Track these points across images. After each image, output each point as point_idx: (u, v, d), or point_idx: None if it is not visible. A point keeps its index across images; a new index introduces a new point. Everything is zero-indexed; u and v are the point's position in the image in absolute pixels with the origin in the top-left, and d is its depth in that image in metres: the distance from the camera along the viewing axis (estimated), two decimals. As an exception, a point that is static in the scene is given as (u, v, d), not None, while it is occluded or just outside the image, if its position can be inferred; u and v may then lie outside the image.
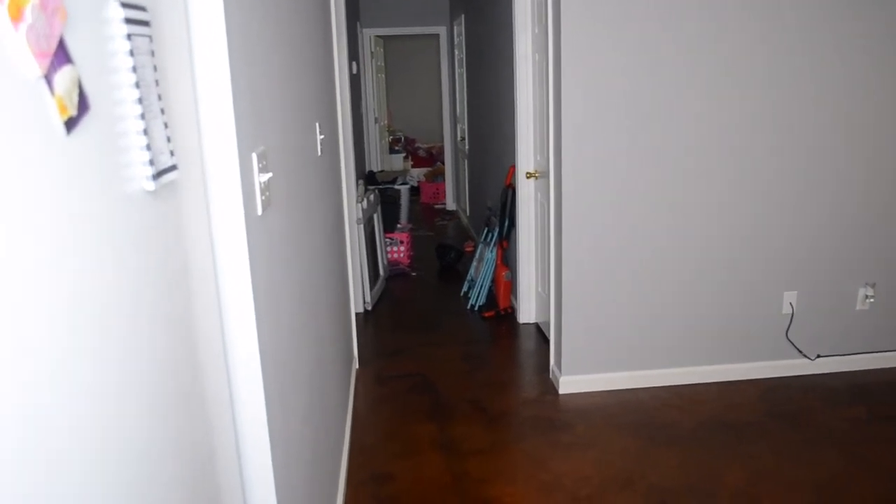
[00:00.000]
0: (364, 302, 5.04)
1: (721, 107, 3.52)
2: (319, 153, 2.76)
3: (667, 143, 3.52)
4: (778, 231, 3.71)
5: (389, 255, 6.13)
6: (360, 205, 4.92)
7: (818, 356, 3.90)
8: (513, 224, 4.80)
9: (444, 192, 9.41)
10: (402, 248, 6.21)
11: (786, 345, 3.86)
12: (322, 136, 2.85)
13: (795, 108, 3.57)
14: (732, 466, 3.00)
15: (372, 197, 5.57)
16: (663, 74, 3.45)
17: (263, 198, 1.45)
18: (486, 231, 5.26)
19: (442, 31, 8.71)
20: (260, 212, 1.42)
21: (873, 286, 3.85)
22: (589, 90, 3.41)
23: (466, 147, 7.61)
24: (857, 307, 3.88)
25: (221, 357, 1.30)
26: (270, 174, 1.54)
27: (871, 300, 3.87)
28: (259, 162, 1.43)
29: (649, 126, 3.49)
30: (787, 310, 3.81)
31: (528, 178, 4.46)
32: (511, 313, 4.93)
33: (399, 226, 6.62)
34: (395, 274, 6.04)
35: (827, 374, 3.90)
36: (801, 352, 3.88)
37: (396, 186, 7.26)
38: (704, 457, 3.07)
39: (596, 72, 3.39)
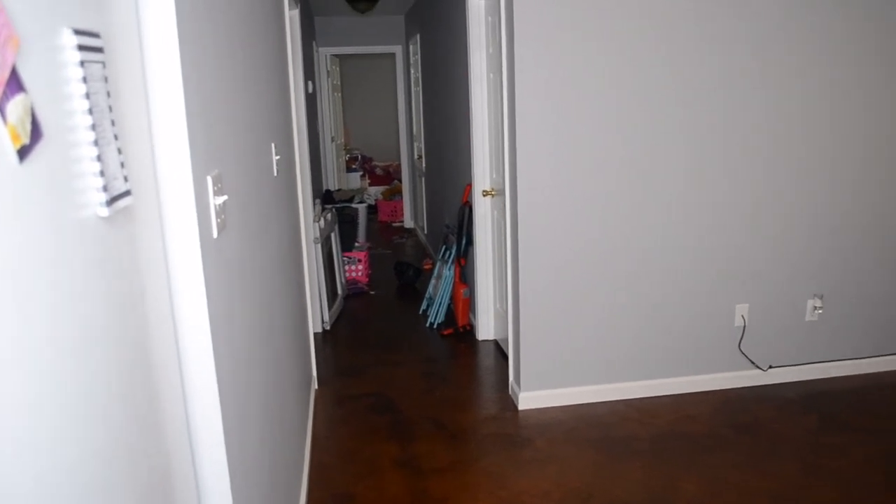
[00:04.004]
0: (322, 321, 5.01)
1: (672, 122, 3.61)
2: (275, 173, 2.75)
3: (619, 158, 3.59)
4: (729, 245, 3.80)
5: (347, 274, 6.12)
6: (317, 224, 4.90)
7: (770, 367, 4.00)
8: (470, 242, 4.83)
9: (402, 210, 9.43)
10: (360, 267, 6.20)
11: (739, 356, 3.94)
12: (278, 157, 2.85)
13: (747, 122, 3.67)
14: (690, 477, 3.05)
15: (329, 216, 5.55)
16: (615, 90, 3.52)
17: (219, 220, 1.45)
18: (444, 249, 5.29)
19: (398, 49, 8.76)
20: (216, 234, 1.42)
21: (822, 297, 3.96)
22: (542, 108, 3.46)
23: (424, 165, 7.65)
24: (807, 318, 3.99)
25: (178, 381, 1.29)
26: (226, 196, 1.54)
27: (820, 311, 3.98)
28: (214, 185, 1.43)
29: (602, 142, 3.56)
30: (739, 322, 3.90)
31: (484, 195, 4.50)
32: (470, 330, 4.95)
33: (357, 244, 6.61)
34: (354, 293, 6.02)
35: (780, 384, 3.99)
36: (753, 363, 3.97)
37: (354, 205, 7.25)
38: (663, 469, 3.12)
39: (549, 90, 3.45)
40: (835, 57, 3.70)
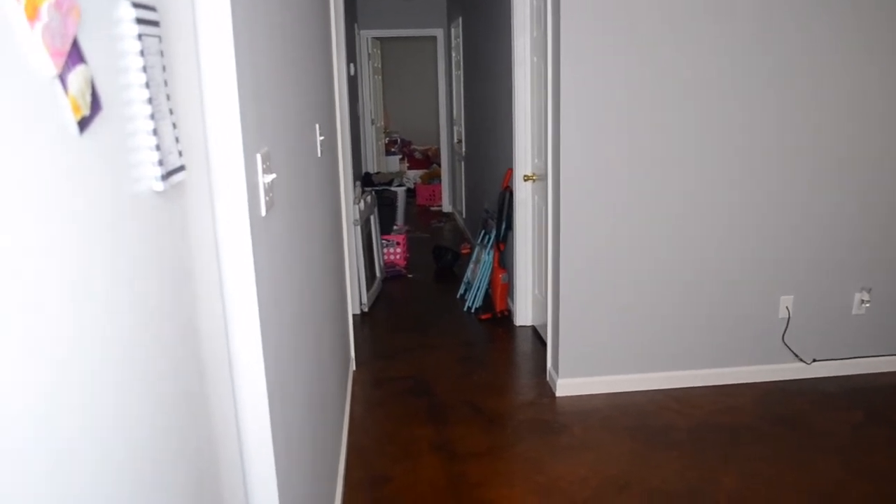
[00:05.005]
0: (361, 303, 5.03)
1: (723, 110, 3.53)
2: (319, 154, 2.75)
3: (666, 147, 3.53)
4: (775, 236, 3.72)
5: (386, 257, 6.13)
6: (357, 206, 4.91)
7: (814, 360, 3.92)
8: (510, 227, 4.80)
9: (441, 194, 9.42)
10: (398, 250, 6.21)
11: (782, 349, 3.87)
12: (322, 138, 2.85)
13: (798, 112, 3.58)
14: (729, 469, 3.00)
15: (369, 198, 5.57)
16: (664, 78, 3.45)
17: (267, 199, 1.45)
18: (482, 233, 5.27)
19: (439, 33, 8.72)
20: (264, 213, 1.42)
21: (869, 291, 3.87)
22: (588, 94, 3.41)
23: (463, 149, 7.62)
24: (854, 312, 3.90)
25: (225, 358, 1.30)
26: (274, 175, 1.54)
27: (867, 305, 3.88)
28: (263, 163, 1.43)
29: (649, 130, 3.50)
30: (783, 314, 3.82)
31: (525, 181, 4.46)
32: (508, 316, 4.93)
33: (395, 227, 6.62)
34: (392, 276, 6.03)
35: (823, 378, 3.91)
36: (797, 356, 3.89)
37: (393, 188, 7.26)
38: (701, 460, 3.08)
39: (596, 75, 3.40)
40: (868, 52, 3.58)
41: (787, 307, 3.81)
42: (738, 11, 3.43)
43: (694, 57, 3.45)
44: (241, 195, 1.27)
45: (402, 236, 6.32)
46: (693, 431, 3.32)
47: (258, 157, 1.40)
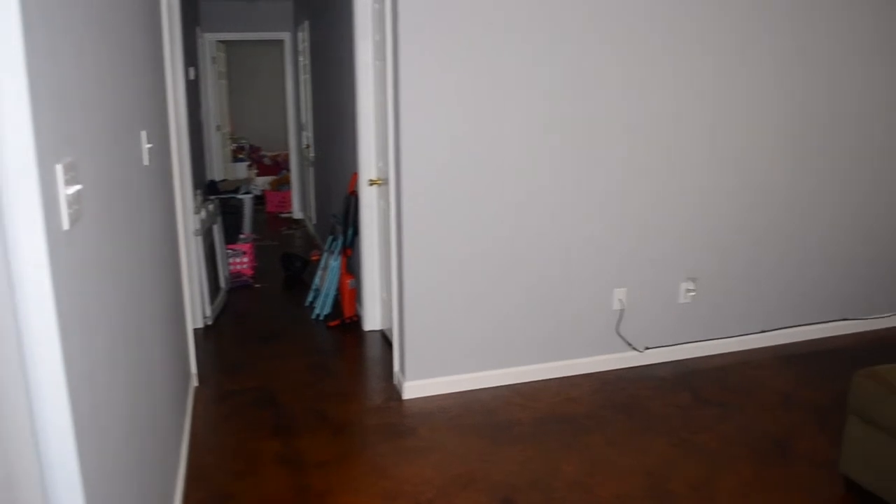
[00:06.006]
0: (204, 316, 4.86)
1: (557, 106, 3.68)
2: (147, 163, 2.64)
3: (504, 145, 3.64)
4: (607, 230, 3.93)
5: (232, 267, 5.95)
6: (197, 216, 4.74)
7: (647, 348, 4.17)
8: (357, 232, 4.79)
9: (291, 200, 9.26)
10: (245, 260, 6.05)
11: (617, 339, 4.10)
12: (150, 146, 2.73)
13: (628, 112, 3.80)
14: (570, 458, 3.14)
15: (211, 207, 5.39)
16: (501, 78, 3.56)
17: (71, 211, 1.37)
18: (331, 239, 5.23)
19: (286, 36, 8.57)
20: (67, 226, 1.34)
21: (694, 281, 4.17)
22: (427, 97, 3.47)
23: (312, 155, 7.53)
24: (681, 301, 4.18)
25: (21, 381, 1.22)
26: (80, 186, 1.46)
27: (693, 294, 4.18)
28: (66, 173, 1.35)
29: (486, 130, 3.60)
30: (617, 306, 4.05)
31: (370, 185, 4.47)
32: (357, 321, 4.92)
33: (242, 236, 6.43)
34: (238, 286, 5.87)
35: (655, 364, 4.18)
36: (630, 345, 4.13)
37: (239, 196, 7.05)
38: (544, 451, 3.20)
39: (435, 78, 3.46)
40: (700, 44, 3.88)
41: (620, 299, 4.04)
42: (570, 14, 3.60)
43: (531, 59, 3.59)
44: (36, 207, 1.19)
45: (248, 245, 6.15)
46: (536, 424, 3.45)
47: (58, 167, 1.32)
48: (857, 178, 4.43)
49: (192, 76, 6.42)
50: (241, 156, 11.14)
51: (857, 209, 4.49)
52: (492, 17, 3.48)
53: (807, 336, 4.55)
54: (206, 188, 7.15)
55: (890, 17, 4.24)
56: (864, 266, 4.60)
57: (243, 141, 11.55)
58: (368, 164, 4.50)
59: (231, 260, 5.97)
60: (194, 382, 3.92)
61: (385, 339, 4.60)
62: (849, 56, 4.21)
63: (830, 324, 4.60)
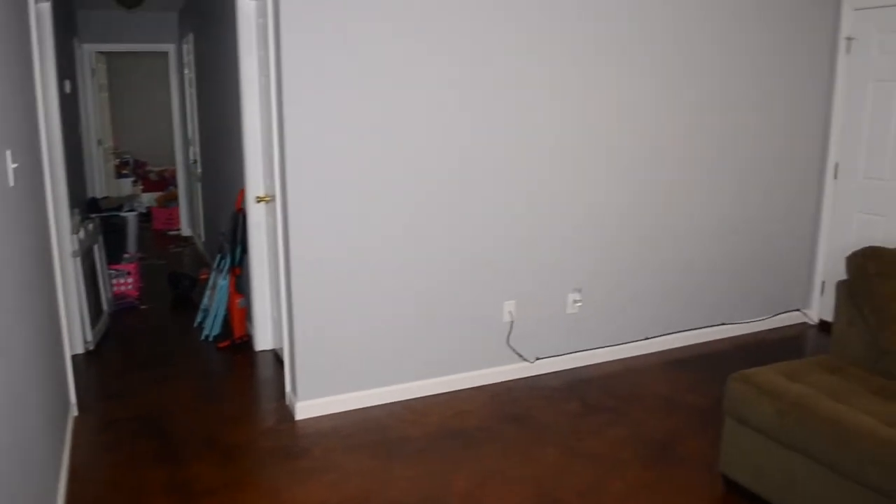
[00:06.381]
0: (85, 341, 4.63)
1: (442, 120, 3.72)
2: (11, 184, 2.50)
3: (389, 160, 3.65)
4: (495, 243, 4.00)
5: (115, 289, 5.70)
6: (75, 236, 4.52)
7: (537, 359, 4.26)
8: (245, 249, 4.69)
9: (179, 217, 8.97)
10: (129, 280, 5.81)
11: (508, 351, 4.17)
12: (15, 165, 2.59)
13: (511, 117, 3.88)
14: (462, 471, 3.17)
15: (91, 226, 5.15)
16: (386, 91, 3.57)
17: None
18: (219, 258, 5.09)
19: (171, 48, 8.32)
20: None
21: (580, 291, 4.29)
22: (313, 112, 3.44)
23: (199, 170, 7.32)
24: (568, 311, 4.30)
25: None
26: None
27: (579, 304, 4.31)
28: None
29: (371, 145, 3.60)
30: (507, 318, 4.12)
31: (258, 201, 4.39)
32: (248, 341, 4.81)
33: (126, 256, 6.18)
34: (123, 308, 5.63)
35: (545, 374, 4.27)
36: (521, 356, 4.21)
37: (123, 213, 6.77)
38: (435, 466, 3.22)
39: (318, 93, 3.43)
40: (596, 54, 4.03)
41: (509, 311, 4.11)
42: (460, 15, 3.65)
43: (414, 68, 3.61)
44: None
45: (133, 265, 5.92)
46: (429, 440, 3.46)
47: None
48: (731, 188, 4.69)
49: (68, 89, 6.14)
50: (125, 171, 10.71)
51: (731, 217, 4.74)
52: (377, 28, 3.49)
53: (688, 341, 4.76)
54: (86, 206, 6.83)
55: (770, 28, 4.52)
56: (739, 272, 4.87)
57: (127, 156, 11.11)
58: (256, 181, 4.42)
59: (115, 281, 5.72)
60: (74, 412, 3.73)
61: (277, 358, 4.52)
62: (732, 66, 4.45)
63: (710, 328, 4.84)
